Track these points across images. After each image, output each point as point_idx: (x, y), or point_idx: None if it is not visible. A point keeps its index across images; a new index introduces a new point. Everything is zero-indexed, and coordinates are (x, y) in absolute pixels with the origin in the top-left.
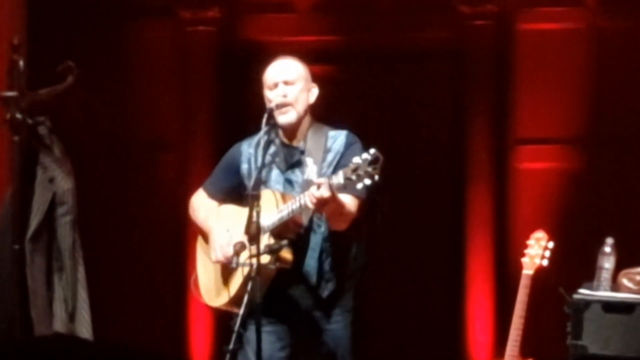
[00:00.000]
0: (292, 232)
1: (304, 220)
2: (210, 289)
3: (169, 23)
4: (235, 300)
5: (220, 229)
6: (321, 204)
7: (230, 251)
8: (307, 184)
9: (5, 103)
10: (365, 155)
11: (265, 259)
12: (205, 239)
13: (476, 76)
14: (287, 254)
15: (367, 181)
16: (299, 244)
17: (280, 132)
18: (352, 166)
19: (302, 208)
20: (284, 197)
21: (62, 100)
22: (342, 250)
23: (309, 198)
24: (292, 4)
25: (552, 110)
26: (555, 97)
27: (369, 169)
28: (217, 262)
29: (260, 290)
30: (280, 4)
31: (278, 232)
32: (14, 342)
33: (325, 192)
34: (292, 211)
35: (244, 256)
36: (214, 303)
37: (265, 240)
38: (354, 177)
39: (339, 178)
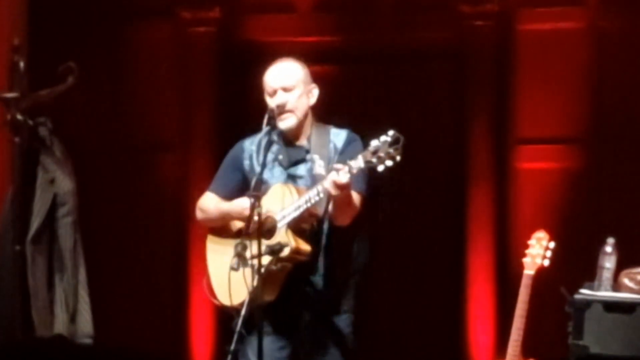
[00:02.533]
0: (307, 222)
1: (319, 211)
2: (225, 290)
3: (169, 24)
4: (252, 299)
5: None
6: (339, 189)
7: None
8: (317, 178)
9: (6, 104)
10: (384, 137)
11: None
12: (219, 233)
13: (476, 76)
14: (304, 246)
15: (389, 163)
16: (313, 237)
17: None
18: (371, 149)
19: (320, 198)
20: (297, 189)
21: (63, 101)
22: (344, 249)
23: (328, 184)
24: (292, 5)
25: (553, 110)
26: (556, 97)
27: (390, 150)
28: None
29: (274, 289)
30: (280, 4)
31: (294, 224)
32: (15, 343)
33: (344, 178)
34: (311, 202)
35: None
36: (229, 303)
37: (283, 233)
38: (374, 160)
39: (358, 162)
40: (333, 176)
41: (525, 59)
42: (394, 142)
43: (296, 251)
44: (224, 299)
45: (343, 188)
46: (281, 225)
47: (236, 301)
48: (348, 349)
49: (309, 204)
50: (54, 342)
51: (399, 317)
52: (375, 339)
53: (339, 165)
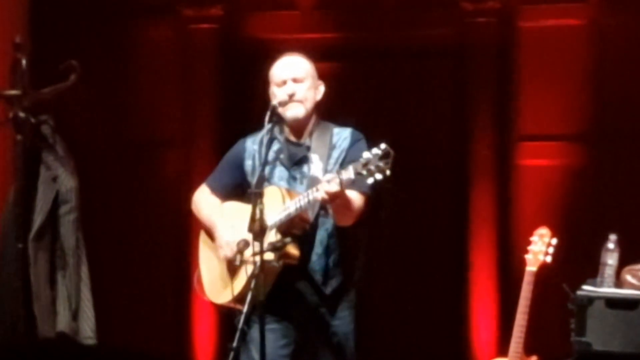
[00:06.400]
0: (298, 228)
1: (311, 216)
2: (214, 286)
3: (171, 21)
4: (239, 298)
5: (226, 225)
6: (330, 199)
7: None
8: (313, 181)
9: (9, 102)
10: (375, 150)
11: (269, 256)
12: (209, 234)
13: (478, 73)
14: (293, 250)
15: (378, 176)
16: (305, 240)
17: (287, 130)
18: (362, 161)
19: (310, 204)
20: (290, 193)
21: (65, 98)
22: (347, 247)
23: (318, 193)
24: (294, 2)
25: (555, 107)
26: (558, 94)
27: (380, 164)
28: (226, 258)
29: (265, 288)
30: (283, 1)
31: (284, 228)
32: (18, 343)
33: (334, 187)
34: (300, 207)
35: (247, 254)
36: (217, 300)
37: (272, 236)
38: (364, 172)
39: (349, 173)
40: (324, 186)
41: (527, 56)
42: (384, 156)
43: (284, 254)
44: (211, 295)
45: (334, 197)
46: (270, 228)
47: (222, 300)
48: (352, 345)
49: (298, 209)
50: (57, 342)
51: (401, 314)
52: (378, 336)
53: (329, 176)
